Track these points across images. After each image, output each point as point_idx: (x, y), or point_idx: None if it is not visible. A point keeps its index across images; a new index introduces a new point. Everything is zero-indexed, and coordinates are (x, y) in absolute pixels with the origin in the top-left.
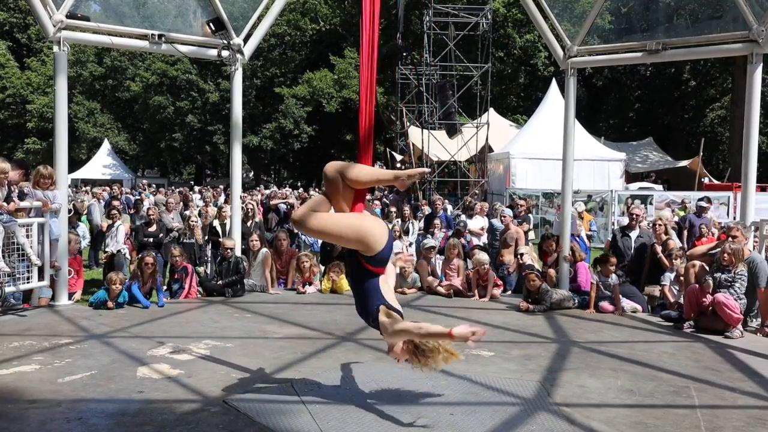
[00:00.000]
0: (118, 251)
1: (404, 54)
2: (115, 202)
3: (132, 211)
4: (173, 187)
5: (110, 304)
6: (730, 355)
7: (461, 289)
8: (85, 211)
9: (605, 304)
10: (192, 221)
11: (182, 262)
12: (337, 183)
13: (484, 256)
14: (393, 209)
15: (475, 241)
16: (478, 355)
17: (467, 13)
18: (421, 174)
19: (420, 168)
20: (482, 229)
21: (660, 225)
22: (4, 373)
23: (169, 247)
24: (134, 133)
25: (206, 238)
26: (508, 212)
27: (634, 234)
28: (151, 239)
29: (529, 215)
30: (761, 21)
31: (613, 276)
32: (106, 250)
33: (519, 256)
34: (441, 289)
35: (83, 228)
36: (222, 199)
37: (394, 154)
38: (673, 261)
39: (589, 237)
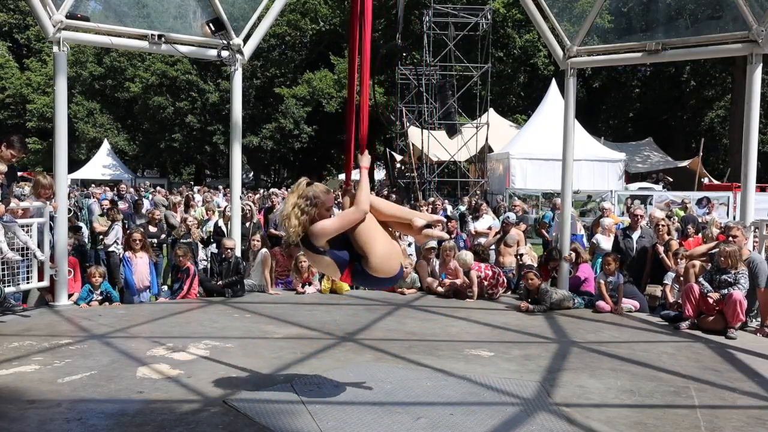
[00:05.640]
0: (115, 251)
1: (404, 54)
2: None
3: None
4: (174, 188)
5: (115, 304)
6: (730, 355)
7: (461, 290)
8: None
9: (602, 304)
10: (189, 222)
11: (185, 261)
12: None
13: (468, 257)
14: None
15: (482, 241)
16: (478, 355)
17: (467, 13)
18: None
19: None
20: (490, 228)
21: (663, 225)
22: (4, 373)
23: (175, 247)
24: (134, 134)
25: (208, 238)
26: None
27: (635, 234)
28: (154, 240)
29: (527, 215)
30: (761, 21)
31: (618, 275)
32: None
33: (519, 257)
34: (440, 290)
35: (84, 229)
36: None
37: (394, 154)
38: (670, 260)
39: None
